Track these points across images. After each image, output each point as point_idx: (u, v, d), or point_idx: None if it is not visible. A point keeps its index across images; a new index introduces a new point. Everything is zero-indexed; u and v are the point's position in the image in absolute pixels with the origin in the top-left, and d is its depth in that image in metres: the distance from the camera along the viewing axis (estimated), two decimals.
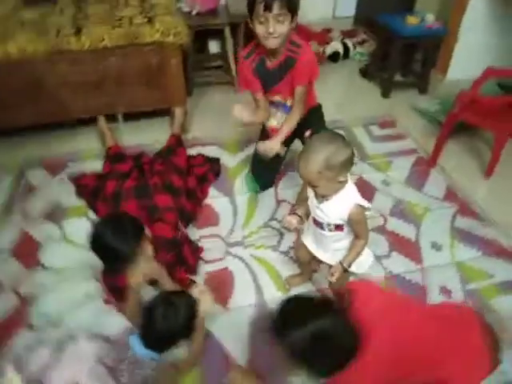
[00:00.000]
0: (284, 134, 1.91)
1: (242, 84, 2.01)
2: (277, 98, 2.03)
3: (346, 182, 1.35)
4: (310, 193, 1.46)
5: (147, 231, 1.55)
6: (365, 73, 3.39)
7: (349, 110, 2.98)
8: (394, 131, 2.80)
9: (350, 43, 3.62)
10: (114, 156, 2.39)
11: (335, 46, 3.54)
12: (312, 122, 2.03)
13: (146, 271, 1.51)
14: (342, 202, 1.36)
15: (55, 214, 2.13)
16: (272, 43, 1.77)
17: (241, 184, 2.35)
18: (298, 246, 1.67)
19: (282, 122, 1.97)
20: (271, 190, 2.31)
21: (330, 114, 2.35)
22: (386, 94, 3.15)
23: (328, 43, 3.56)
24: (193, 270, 1.83)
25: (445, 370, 1.11)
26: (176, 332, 1.28)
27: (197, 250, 1.91)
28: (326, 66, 3.48)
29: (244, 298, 1.76)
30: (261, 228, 2.09)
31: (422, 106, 2.97)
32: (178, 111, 2.64)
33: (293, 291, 1.78)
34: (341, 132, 2.55)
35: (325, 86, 3.12)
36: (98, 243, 1.45)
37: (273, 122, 2.10)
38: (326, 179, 1.29)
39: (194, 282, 1.77)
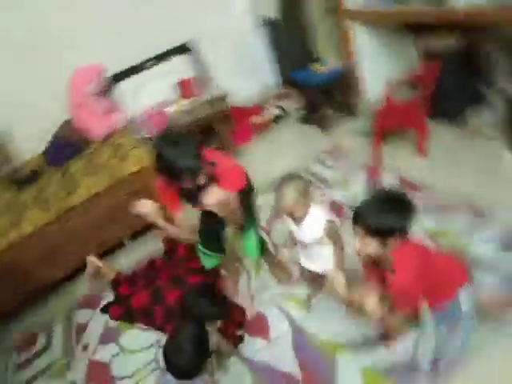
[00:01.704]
0: None
1: (169, 206, 2.13)
2: None
3: (310, 204, 1.84)
4: (290, 225, 1.94)
5: None
6: (303, 120, 4.02)
7: (304, 154, 3.55)
8: (342, 154, 3.36)
9: (284, 104, 4.28)
10: (127, 278, 2.68)
11: (274, 111, 4.20)
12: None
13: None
14: (315, 219, 1.85)
15: (109, 336, 2.54)
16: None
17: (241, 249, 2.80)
18: (301, 272, 2.12)
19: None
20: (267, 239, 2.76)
21: (289, 162, 2.90)
22: (325, 129, 3.76)
23: (264, 110, 4.22)
24: (242, 327, 2.22)
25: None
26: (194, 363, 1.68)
27: (242, 309, 2.30)
28: (272, 128, 4.13)
29: (279, 328, 2.15)
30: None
31: (355, 127, 3.58)
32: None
33: (314, 307, 2.18)
34: (304, 173, 3.08)
35: (276, 143, 3.75)
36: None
37: None
38: (301, 205, 1.79)
39: (243, 337, 2.17)
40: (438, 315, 1.67)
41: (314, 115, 3.88)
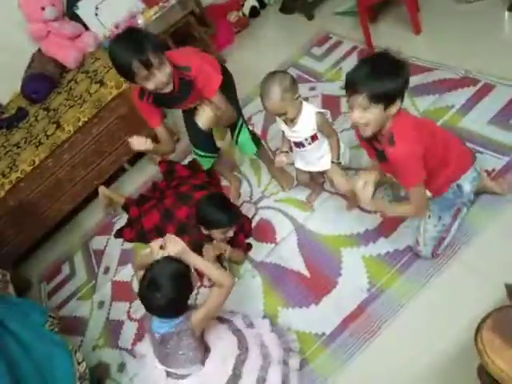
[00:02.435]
0: None
1: (148, 121, 2.04)
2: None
3: (301, 99, 1.77)
4: (282, 126, 1.89)
5: None
6: (284, 9, 3.70)
7: (289, 48, 3.34)
8: (331, 42, 3.14)
9: None
10: (135, 201, 2.77)
11: (249, 3, 3.86)
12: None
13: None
14: (307, 117, 1.80)
15: (126, 257, 2.68)
16: (164, 87, 1.78)
17: (238, 156, 2.79)
18: (297, 176, 2.12)
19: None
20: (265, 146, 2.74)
21: (275, 61, 2.79)
22: (309, 16, 3.47)
23: (242, 5, 3.88)
24: (250, 235, 2.30)
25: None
26: (173, 298, 1.42)
27: (248, 218, 2.38)
28: (252, 24, 3.84)
29: (284, 230, 2.23)
30: (271, 178, 2.53)
31: (341, 8, 3.29)
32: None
33: (315, 207, 2.23)
34: (291, 69, 2.94)
35: (261, 41, 3.50)
36: None
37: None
38: (289, 101, 1.71)
39: (251, 245, 2.26)
40: (441, 203, 1.67)
41: (294, 2, 3.56)
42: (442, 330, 1.58)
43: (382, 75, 1.32)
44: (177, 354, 1.49)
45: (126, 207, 2.78)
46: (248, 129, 2.25)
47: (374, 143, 1.55)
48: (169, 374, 1.57)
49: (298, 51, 3.26)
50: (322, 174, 2.11)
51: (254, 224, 2.36)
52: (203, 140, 2.33)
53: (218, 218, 1.91)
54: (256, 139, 2.31)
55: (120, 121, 2.99)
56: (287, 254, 2.12)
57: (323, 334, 1.78)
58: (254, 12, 3.87)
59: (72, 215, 3.23)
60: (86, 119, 2.86)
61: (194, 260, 1.51)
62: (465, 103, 2.21)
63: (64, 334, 2.51)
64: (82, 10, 3.41)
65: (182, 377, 1.55)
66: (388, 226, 1.95)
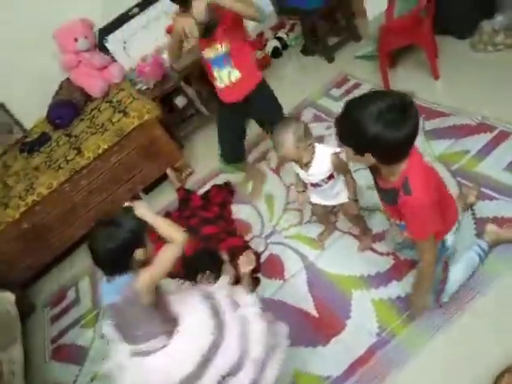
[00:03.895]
0: None
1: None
2: (214, 52, 2.09)
3: (314, 143, 1.79)
4: (297, 169, 1.90)
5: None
6: (306, 51, 3.81)
7: (308, 88, 3.41)
8: (349, 84, 3.20)
9: (282, 34, 4.06)
10: None
11: (271, 44, 3.99)
12: (268, 109, 2.30)
13: None
14: (322, 159, 1.80)
15: None
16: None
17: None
18: (312, 209, 2.10)
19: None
20: (278, 182, 2.75)
21: (294, 100, 2.97)
22: (330, 59, 3.56)
23: (265, 45, 4.01)
24: (259, 270, 2.24)
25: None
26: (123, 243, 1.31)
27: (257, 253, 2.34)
28: (274, 64, 3.95)
29: (294, 267, 2.19)
30: (283, 214, 2.52)
31: (361, 52, 3.36)
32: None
33: (327, 246, 2.20)
34: (309, 108, 2.99)
35: (282, 81, 3.59)
36: None
37: (220, 84, 2.22)
38: (303, 148, 1.73)
39: (259, 280, 2.21)
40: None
41: (316, 44, 3.66)
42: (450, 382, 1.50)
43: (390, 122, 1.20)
44: (130, 327, 1.35)
45: None
46: None
47: (376, 179, 1.51)
48: (134, 353, 1.41)
49: (318, 92, 3.32)
50: (336, 213, 2.09)
51: (263, 259, 2.33)
52: (233, 144, 2.50)
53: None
54: None
55: (139, 150, 3.06)
56: (296, 292, 2.07)
57: (329, 377, 1.71)
58: (276, 53, 3.99)
59: (82, 240, 3.24)
60: (106, 147, 2.93)
61: (152, 218, 1.38)
62: (481, 149, 2.20)
63: (63, 362, 2.49)
64: (112, 43, 3.58)
65: (147, 353, 1.39)
66: (400, 269, 1.91)
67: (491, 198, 1.97)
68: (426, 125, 2.49)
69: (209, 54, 2.11)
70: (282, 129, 1.74)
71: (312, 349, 1.82)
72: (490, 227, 1.79)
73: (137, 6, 3.50)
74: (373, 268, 1.98)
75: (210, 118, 3.62)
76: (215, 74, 2.18)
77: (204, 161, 3.37)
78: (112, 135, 2.93)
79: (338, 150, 1.81)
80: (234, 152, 2.59)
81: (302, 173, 1.89)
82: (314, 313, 1.94)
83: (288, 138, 1.71)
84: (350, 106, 1.29)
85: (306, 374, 1.76)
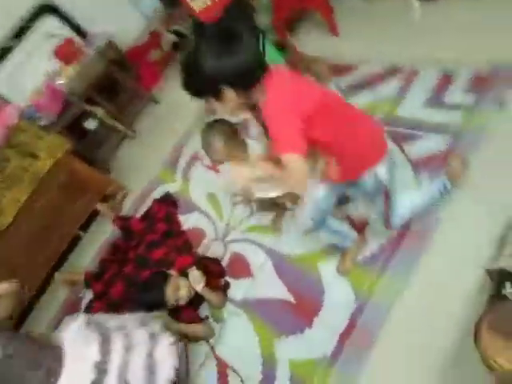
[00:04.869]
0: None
1: None
2: None
3: (243, 140, 1.74)
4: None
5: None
6: None
7: None
8: None
9: (177, 27, 3.87)
10: (95, 274, 2.59)
11: (169, 39, 3.80)
12: None
13: None
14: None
15: None
16: None
17: (196, 195, 2.73)
18: (257, 204, 2.07)
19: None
20: (215, 178, 2.68)
21: None
22: None
23: (160, 42, 3.83)
24: (223, 275, 2.20)
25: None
26: None
27: (215, 260, 2.28)
28: (176, 60, 3.80)
29: (258, 260, 2.16)
30: (232, 209, 2.48)
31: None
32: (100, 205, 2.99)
33: (282, 230, 2.19)
34: None
35: None
36: None
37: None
38: (234, 148, 1.68)
39: (229, 283, 2.17)
40: (367, 194, 1.67)
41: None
42: (432, 324, 1.57)
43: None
44: None
45: (87, 284, 2.59)
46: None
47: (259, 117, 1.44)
48: None
49: None
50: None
51: (226, 261, 2.29)
52: None
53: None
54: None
55: (62, 190, 2.86)
56: (267, 283, 2.06)
57: (324, 357, 1.72)
58: (176, 46, 3.83)
59: (33, 302, 2.99)
60: (25, 197, 2.70)
61: None
62: (397, 92, 2.26)
63: None
64: None
65: None
66: (357, 229, 1.94)
67: (419, 138, 2.04)
68: (341, 83, 2.52)
69: None
70: (208, 132, 1.68)
71: (300, 334, 1.82)
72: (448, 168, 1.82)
73: (11, 38, 3.19)
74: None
75: (127, 130, 3.46)
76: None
77: (136, 176, 3.23)
78: (28, 183, 2.70)
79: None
80: None
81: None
82: (291, 299, 1.94)
83: (215, 140, 1.65)
84: (184, 62, 1.28)
85: (301, 361, 1.76)
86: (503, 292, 1.06)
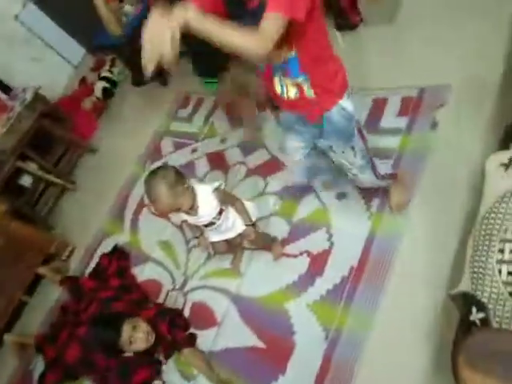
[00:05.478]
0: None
1: None
2: None
3: (192, 184, 1.69)
4: (183, 216, 1.78)
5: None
6: (136, 82, 3.60)
7: (155, 118, 3.28)
8: (193, 101, 3.18)
9: (106, 73, 3.81)
10: (47, 337, 2.41)
11: (99, 86, 3.72)
12: None
13: None
14: (206, 199, 1.71)
15: None
16: None
17: (147, 245, 2.62)
18: (213, 247, 2.02)
19: None
20: (166, 225, 2.60)
21: (146, 134, 3.00)
22: (163, 82, 3.47)
23: (93, 89, 3.73)
24: (188, 327, 2.10)
25: None
26: None
27: (177, 310, 2.18)
28: (111, 105, 3.72)
29: (221, 307, 2.09)
30: (188, 256, 2.39)
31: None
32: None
33: (243, 270, 2.14)
34: (165, 138, 2.95)
35: (124, 120, 3.42)
36: None
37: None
38: (180, 194, 1.61)
39: (195, 336, 2.06)
40: (339, 134, 1.51)
41: (142, 73, 3.51)
42: (410, 347, 1.59)
43: None
44: None
45: (39, 349, 2.39)
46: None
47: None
48: None
49: (166, 119, 3.21)
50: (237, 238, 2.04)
51: (187, 312, 2.18)
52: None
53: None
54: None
55: (1, 254, 2.63)
56: (233, 331, 1.98)
57: None
58: (108, 93, 3.74)
59: None
60: None
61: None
62: None
63: None
64: None
65: None
66: (318, 264, 1.94)
67: None
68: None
69: None
70: (151, 181, 1.61)
71: (275, 382, 1.76)
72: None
73: None
74: (293, 273, 1.98)
75: (67, 184, 3.30)
76: None
77: (81, 231, 3.05)
78: None
79: (217, 184, 1.75)
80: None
81: (190, 218, 1.79)
82: (261, 344, 1.88)
83: (160, 188, 1.58)
84: None
85: None
86: (471, 318, 1.08)
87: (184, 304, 2.22)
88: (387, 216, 1.90)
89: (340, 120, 1.45)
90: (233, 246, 2.15)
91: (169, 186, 1.57)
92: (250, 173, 2.49)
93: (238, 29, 1.12)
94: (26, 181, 3.29)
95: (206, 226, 1.83)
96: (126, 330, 1.91)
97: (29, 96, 3.20)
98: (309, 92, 1.38)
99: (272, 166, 2.41)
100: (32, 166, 3.19)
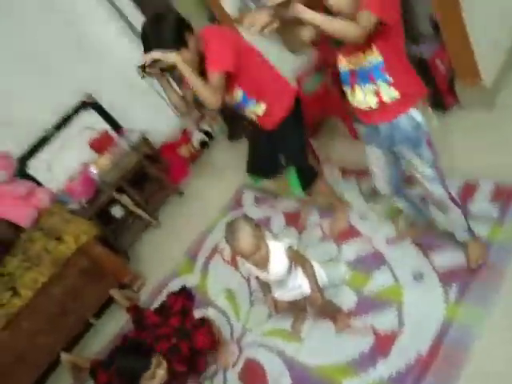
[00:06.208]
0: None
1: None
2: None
3: (267, 242, 1.72)
4: (254, 270, 1.80)
5: None
6: (232, 137, 3.91)
7: (242, 172, 3.44)
8: None
9: (206, 127, 4.15)
10: (102, 362, 2.46)
11: (197, 137, 4.05)
12: (290, 144, 2.21)
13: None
14: (278, 256, 1.72)
15: None
16: None
17: (213, 290, 2.67)
18: (274, 304, 1.97)
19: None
20: (234, 274, 2.64)
21: (231, 186, 3.14)
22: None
23: (190, 139, 4.07)
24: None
25: None
26: None
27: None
28: (205, 155, 4.01)
29: (275, 369, 2.03)
30: (250, 309, 2.40)
31: None
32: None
33: (303, 336, 2.08)
34: (248, 191, 3.07)
35: (215, 169, 3.64)
36: None
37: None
38: (260, 238, 1.65)
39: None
40: (408, 142, 1.61)
41: (238, 129, 3.78)
42: None
43: None
44: None
45: (92, 372, 2.44)
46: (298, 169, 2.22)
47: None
48: None
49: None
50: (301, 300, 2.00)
51: (240, 365, 2.15)
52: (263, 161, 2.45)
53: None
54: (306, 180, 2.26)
55: (81, 275, 2.85)
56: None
57: None
58: (204, 144, 4.05)
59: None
60: (45, 280, 2.69)
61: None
62: None
63: None
64: (34, 169, 3.45)
65: None
66: (383, 344, 1.83)
67: (444, 248, 2.01)
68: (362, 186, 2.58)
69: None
70: (234, 224, 1.67)
71: None
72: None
73: (53, 127, 3.44)
74: (355, 350, 1.88)
75: (152, 221, 3.53)
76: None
77: (154, 267, 3.22)
78: (49, 266, 2.71)
79: (290, 242, 1.76)
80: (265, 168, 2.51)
81: (260, 274, 1.80)
82: None
83: (244, 227, 1.63)
84: None
85: None
86: None
87: (238, 357, 2.20)
88: (466, 305, 1.76)
89: (407, 127, 1.56)
90: (296, 309, 2.12)
91: (252, 227, 1.63)
92: (325, 236, 2.48)
93: (340, 20, 1.35)
94: (117, 212, 3.60)
95: (273, 283, 1.83)
96: (154, 364, 1.96)
97: (136, 138, 3.58)
98: (388, 96, 1.51)
99: (348, 233, 2.39)
100: (125, 199, 3.49)
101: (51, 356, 2.81)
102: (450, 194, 1.72)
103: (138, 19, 3.51)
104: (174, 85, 2.06)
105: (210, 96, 1.82)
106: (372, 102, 1.55)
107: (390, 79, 1.48)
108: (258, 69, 2.05)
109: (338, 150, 2.96)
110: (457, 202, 1.75)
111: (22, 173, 3.42)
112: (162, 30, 1.80)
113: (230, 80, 1.93)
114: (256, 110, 2.11)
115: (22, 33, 3.28)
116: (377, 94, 1.52)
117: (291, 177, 2.26)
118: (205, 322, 2.31)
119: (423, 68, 2.48)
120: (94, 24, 3.58)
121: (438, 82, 2.55)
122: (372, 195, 2.45)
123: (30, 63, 3.31)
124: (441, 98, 2.60)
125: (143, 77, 1.85)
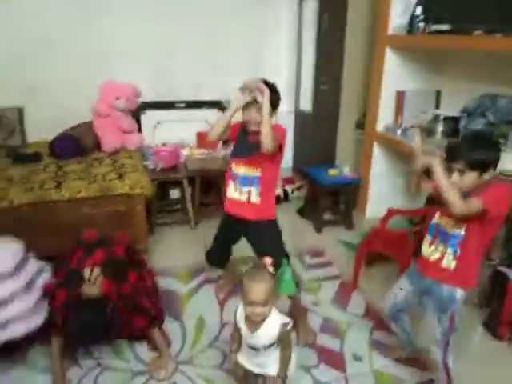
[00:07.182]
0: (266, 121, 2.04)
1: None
2: (243, 170, 2.28)
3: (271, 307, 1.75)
4: (242, 326, 1.80)
5: None
6: (301, 213, 4.05)
7: (288, 244, 3.51)
8: (323, 259, 3.33)
9: (289, 189, 4.37)
10: None
11: (276, 191, 4.26)
12: (270, 245, 2.40)
13: None
14: (271, 326, 1.73)
15: None
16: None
17: (189, 310, 2.70)
18: (235, 364, 1.94)
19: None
20: (216, 315, 2.67)
21: None
22: (318, 229, 3.77)
23: None
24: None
25: None
26: None
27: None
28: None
29: None
30: (207, 348, 2.39)
31: (347, 239, 3.58)
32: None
33: None
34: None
35: None
36: None
37: (233, 194, 2.37)
38: (273, 292, 1.70)
39: None
40: (436, 303, 1.85)
41: (312, 211, 3.91)
42: None
43: (481, 146, 1.66)
44: None
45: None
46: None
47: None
48: None
49: (293, 251, 3.40)
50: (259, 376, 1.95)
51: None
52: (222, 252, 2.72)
53: None
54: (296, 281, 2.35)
55: (112, 214, 3.03)
56: None
57: None
58: (277, 200, 4.22)
59: None
60: (85, 195, 2.91)
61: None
62: None
63: None
64: (146, 118, 3.84)
65: None
66: None
67: None
68: (374, 333, 2.53)
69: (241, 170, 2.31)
70: (255, 270, 1.73)
71: None
72: None
73: (185, 102, 3.86)
74: None
75: (191, 221, 3.69)
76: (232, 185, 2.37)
77: (163, 255, 3.32)
78: (97, 189, 2.94)
79: (287, 321, 1.76)
80: (219, 258, 2.78)
81: (245, 332, 1.79)
82: None
83: (265, 274, 1.68)
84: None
85: None
86: None
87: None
88: None
89: (445, 294, 1.78)
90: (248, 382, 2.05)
91: (271, 276, 1.70)
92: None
93: (457, 193, 1.61)
94: (174, 194, 3.86)
95: (251, 347, 1.80)
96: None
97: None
98: (447, 263, 1.75)
99: None
100: (188, 190, 3.69)
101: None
102: (446, 363, 1.86)
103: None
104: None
105: (269, 141, 2.04)
106: (434, 257, 1.81)
107: (458, 252, 1.72)
108: (278, 168, 2.37)
109: (379, 287, 2.94)
110: (448, 372, 1.86)
111: (137, 114, 3.83)
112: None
113: (267, 156, 2.14)
114: (252, 192, 2.30)
115: None
116: (442, 255, 1.77)
117: (286, 276, 2.17)
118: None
119: (498, 283, 2.51)
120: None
121: (505, 311, 2.45)
122: None
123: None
124: (496, 325, 2.50)
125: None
